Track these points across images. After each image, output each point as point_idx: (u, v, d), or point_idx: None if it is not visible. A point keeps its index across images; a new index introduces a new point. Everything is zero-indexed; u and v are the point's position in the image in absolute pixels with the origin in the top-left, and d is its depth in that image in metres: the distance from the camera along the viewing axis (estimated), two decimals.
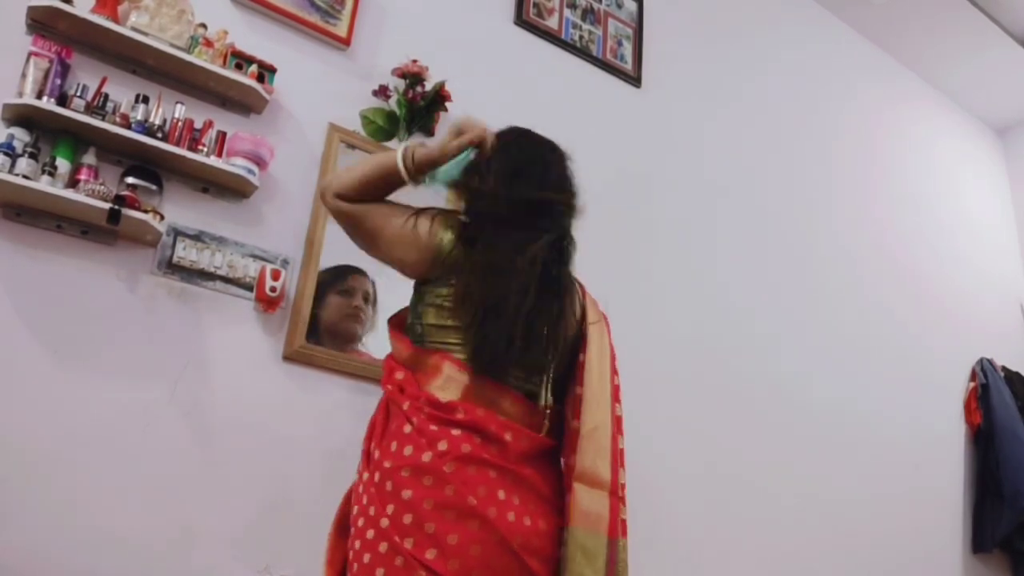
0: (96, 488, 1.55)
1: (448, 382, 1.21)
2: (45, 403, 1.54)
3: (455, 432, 1.16)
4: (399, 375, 1.27)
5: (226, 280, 1.78)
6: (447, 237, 1.27)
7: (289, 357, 1.82)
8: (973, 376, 3.42)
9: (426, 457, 1.14)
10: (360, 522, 1.17)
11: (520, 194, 1.30)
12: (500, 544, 1.10)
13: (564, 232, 1.37)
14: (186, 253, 1.73)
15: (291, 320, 1.83)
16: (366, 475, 1.21)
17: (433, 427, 1.16)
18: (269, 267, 1.79)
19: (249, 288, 1.80)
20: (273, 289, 1.77)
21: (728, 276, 2.73)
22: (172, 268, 1.73)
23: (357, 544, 1.15)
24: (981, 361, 3.44)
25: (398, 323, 1.37)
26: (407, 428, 1.18)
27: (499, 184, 1.30)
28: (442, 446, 1.14)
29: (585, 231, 2.35)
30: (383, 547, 1.11)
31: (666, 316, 2.52)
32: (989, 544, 3.09)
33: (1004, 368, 3.47)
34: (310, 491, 1.74)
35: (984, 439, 3.25)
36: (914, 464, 3.06)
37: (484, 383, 1.21)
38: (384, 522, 1.12)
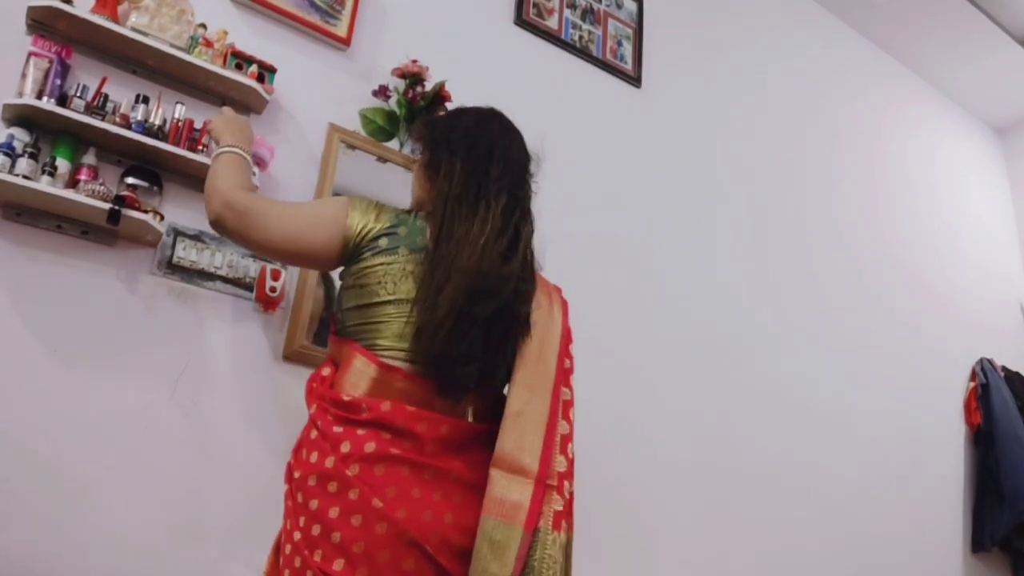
0: (96, 488, 1.55)
1: (359, 377, 1.14)
2: (45, 403, 1.54)
3: (360, 432, 1.09)
4: (325, 371, 1.21)
5: (226, 280, 1.78)
6: (366, 221, 1.21)
7: (289, 357, 1.82)
8: (973, 376, 3.42)
9: (329, 463, 1.08)
10: (282, 538, 1.14)
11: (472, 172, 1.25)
12: (410, 546, 1.04)
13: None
14: (186, 253, 1.73)
15: (291, 320, 1.83)
16: (285, 488, 1.17)
17: (337, 429, 1.10)
18: (269, 267, 1.79)
19: (249, 288, 1.80)
20: (273, 289, 1.77)
21: (729, 276, 2.73)
22: (172, 268, 1.73)
23: (281, 561, 1.11)
24: (981, 361, 3.44)
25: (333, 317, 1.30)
26: (313, 433, 1.13)
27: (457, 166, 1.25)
28: (345, 448, 1.08)
29: (585, 230, 2.38)
30: (297, 562, 1.06)
31: (666, 315, 2.52)
32: (988, 543, 3.09)
33: (1004, 368, 3.47)
34: None
35: (984, 439, 3.25)
36: (914, 464, 3.06)
37: (394, 374, 1.14)
38: (297, 535, 1.07)
